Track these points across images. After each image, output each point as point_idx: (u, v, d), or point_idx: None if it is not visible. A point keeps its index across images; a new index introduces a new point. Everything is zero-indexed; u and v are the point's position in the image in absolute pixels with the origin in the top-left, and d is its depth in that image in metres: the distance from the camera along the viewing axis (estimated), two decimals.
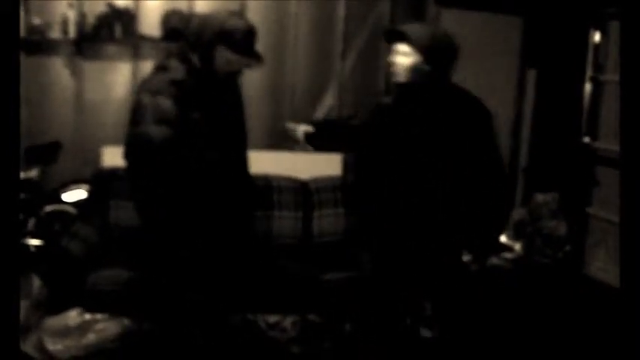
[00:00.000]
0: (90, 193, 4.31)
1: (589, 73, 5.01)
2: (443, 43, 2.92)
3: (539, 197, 4.95)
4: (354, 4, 5.34)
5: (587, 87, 5.02)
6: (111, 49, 5.07)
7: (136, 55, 5.08)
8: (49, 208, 4.57)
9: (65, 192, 4.62)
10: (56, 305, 3.48)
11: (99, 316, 3.49)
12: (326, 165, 4.64)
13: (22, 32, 4.81)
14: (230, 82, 3.12)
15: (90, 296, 3.53)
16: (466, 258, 3.03)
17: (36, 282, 3.63)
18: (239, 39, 2.89)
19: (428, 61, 2.87)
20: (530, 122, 5.57)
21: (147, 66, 4.96)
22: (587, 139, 5.02)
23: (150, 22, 5.06)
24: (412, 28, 2.92)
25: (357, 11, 5.37)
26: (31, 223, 4.51)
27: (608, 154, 4.79)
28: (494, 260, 4.68)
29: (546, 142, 5.37)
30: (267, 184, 4.23)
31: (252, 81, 4.75)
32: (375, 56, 5.43)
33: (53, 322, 3.45)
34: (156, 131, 2.82)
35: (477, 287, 3.32)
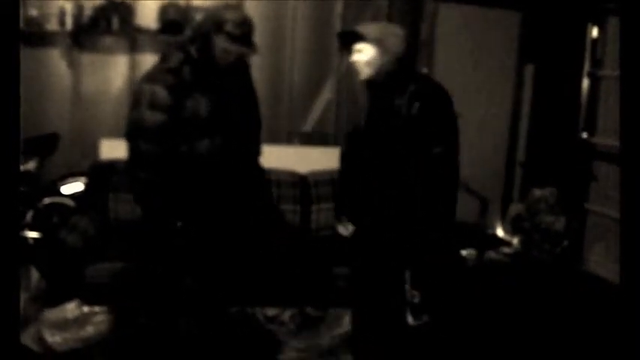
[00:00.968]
0: (88, 185, 4.30)
1: (587, 68, 5.02)
2: (393, 34, 3.05)
3: (537, 192, 4.96)
4: (351, 0, 5.34)
5: (585, 82, 5.02)
6: (108, 41, 5.06)
7: (133, 48, 5.07)
8: (47, 200, 4.56)
9: (63, 184, 4.61)
10: (54, 298, 3.48)
11: (97, 308, 3.49)
12: (324, 159, 4.64)
13: (20, 24, 4.79)
14: (237, 74, 3.15)
15: (88, 289, 3.52)
16: (465, 252, 3.08)
17: (34, 274, 3.63)
18: (235, 29, 2.95)
19: (383, 53, 3.00)
20: (527, 117, 5.58)
21: (144, 58, 4.96)
22: (584, 135, 5.03)
23: (147, 15, 5.06)
24: (363, 27, 3.07)
25: (354, 7, 5.37)
26: (29, 215, 4.50)
27: (605, 149, 4.80)
28: (491, 255, 4.70)
29: (544, 137, 5.38)
30: (266, 178, 4.22)
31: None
32: None
33: (51, 314, 3.44)
34: (150, 117, 2.92)
35: (473, 281, 3.33)
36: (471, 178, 4.86)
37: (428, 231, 3.03)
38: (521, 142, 5.63)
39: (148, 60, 4.99)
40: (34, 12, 4.87)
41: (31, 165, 4.64)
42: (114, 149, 4.53)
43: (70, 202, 4.53)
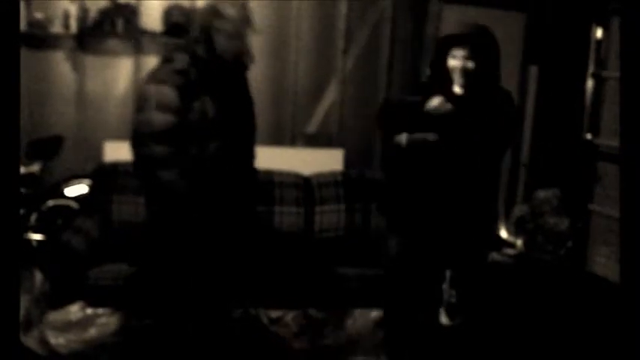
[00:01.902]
0: (92, 187, 4.31)
1: (591, 69, 5.00)
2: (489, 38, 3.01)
3: (541, 193, 4.95)
4: (355, 1, 5.33)
5: (589, 83, 5.01)
6: (112, 43, 5.07)
7: (137, 50, 5.08)
8: (51, 202, 4.57)
9: (67, 187, 4.61)
10: (58, 300, 3.49)
11: (100, 310, 3.49)
12: (328, 160, 4.64)
13: (24, 27, 4.81)
14: (238, 76, 3.18)
15: (92, 291, 3.53)
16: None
17: (38, 276, 3.63)
18: (231, 25, 2.99)
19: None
20: (531, 118, 5.56)
21: (149, 61, 4.96)
22: (588, 136, 5.01)
23: (152, 17, 5.06)
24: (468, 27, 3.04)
25: (358, 8, 5.36)
26: (33, 217, 4.51)
27: (609, 150, 4.79)
28: (495, 256, 4.69)
29: (548, 138, 5.36)
30: (269, 180, 4.23)
31: (255, 77, 4.74)
32: (377, 53, 5.43)
33: (55, 316, 3.45)
34: (158, 118, 2.92)
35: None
36: None
37: (480, 231, 3.09)
38: (525, 143, 5.61)
39: (153, 62, 4.96)
40: (38, 14, 4.87)
41: (35, 167, 4.65)
42: (118, 151, 4.54)
43: (74, 205, 4.54)
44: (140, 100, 3.01)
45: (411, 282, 3.20)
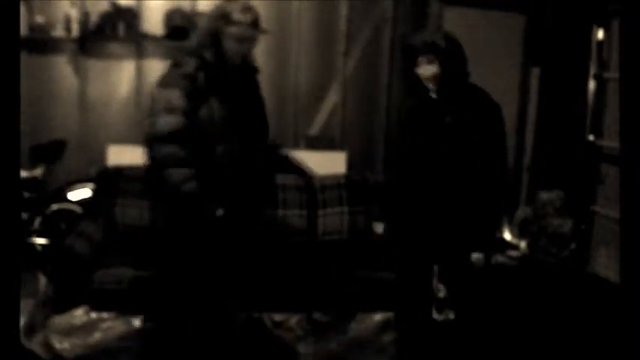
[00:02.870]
0: (95, 191, 4.31)
1: (593, 70, 5.00)
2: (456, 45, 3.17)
3: (544, 195, 4.95)
4: (356, 2, 5.34)
5: (591, 84, 5.01)
6: (114, 47, 5.08)
7: (139, 54, 5.09)
8: (54, 206, 4.58)
9: (71, 191, 4.62)
10: (62, 304, 3.48)
11: (105, 314, 3.49)
12: (330, 163, 4.64)
13: (26, 31, 4.82)
14: (248, 79, 3.23)
15: (96, 295, 3.52)
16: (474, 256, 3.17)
17: (42, 281, 3.63)
18: (240, 28, 3.02)
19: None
20: (534, 120, 5.56)
21: (150, 64, 4.98)
22: (591, 137, 5.01)
23: (153, 21, 5.07)
24: (432, 36, 3.21)
25: (359, 10, 5.37)
26: (37, 221, 4.52)
27: (612, 152, 4.79)
28: (499, 258, 4.69)
29: (550, 140, 5.37)
30: (272, 183, 4.21)
31: None
32: (378, 54, 5.43)
33: (59, 320, 3.44)
34: (167, 121, 2.97)
35: (480, 284, 3.36)
36: None
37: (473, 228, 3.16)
38: (528, 146, 5.61)
39: (154, 66, 5.02)
40: (40, 19, 4.88)
41: (38, 171, 4.67)
42: (121, 155, 4.55)
43: (78, 209, 4.55)
44: (151, 104, 3.08)
45: (410, 280, 3.25)
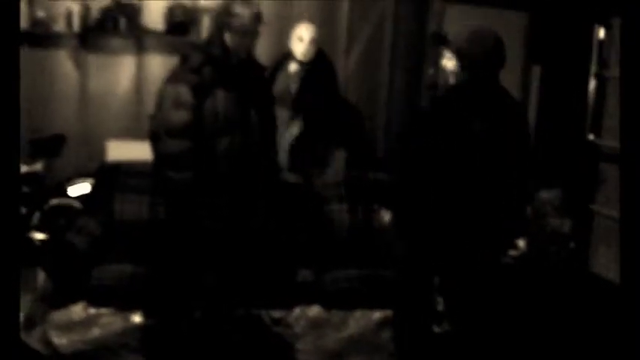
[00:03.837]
0: (94, 186, 4.31)
1: (593, 69, 4.99)
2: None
3: (544, 194, 4.94)
4: (357, 0, 5.33)
5: (592, 83, 5.00)
6: (115, 42, 5.08)
7: (140, 49, 5.09)
8: (53, 201, 4.58)
9: (70, 186, 4.62)
10: (61, 299, 3.48)
11: (103, 310, 3.49)
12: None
13: (27, 25, 4.81)
14: (254, 73, 3.27)
15: (95, 290, 3.52)
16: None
17: (41, 276, 3.63)
18: (241, 23, 3.06)
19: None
20: (534, 118, 5.56)
21: (151, 59, 4.99)
22: (591, 136, 5.01)
23: (154, 16, 5.07)
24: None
25: (360, 7, 5.37)
26: (36, 216, 4.52)
27: (612, 151, 4.78)
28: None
29: (550, 138, 5.36)
30: (279, 180, 4.21)
31: None
32: (379, 51, 5.43)
33: (58, 316, 3.44)
34: (175, 115, 3.03)
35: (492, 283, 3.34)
36: None
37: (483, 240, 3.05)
38: None
39: (155, 61, 5.02)
40: (41, 13, 4.88)
41: (37, 166, 4.66)
42: (121, 150, 4.55)
43: (77, 204, 4.54)
44: (158, 100, 3.13)
45: (415, 285, 3.22)
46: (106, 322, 3.48)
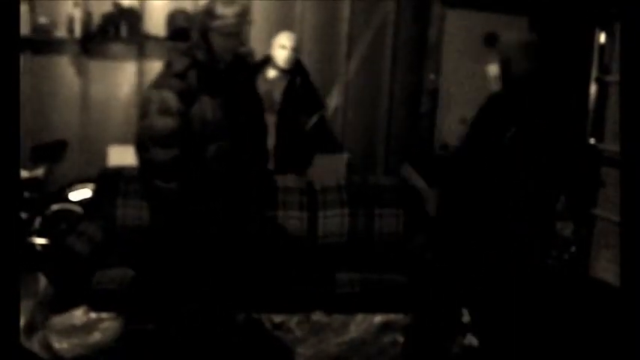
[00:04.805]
0: (95, 192, 4.32)
1: (594, 73, 5.00)
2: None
3: None
4: (358, 4, 5.34)
5: (593, 88, 5.00)
6: (116, 48, 5.10)
7: (141, 55, 5.11)
8: (55, 206, 4.59)
9: (71, 191, 4.63)
10: (62, 304, 3.48)
11: (104, 315, 3.49)
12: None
13: (28, 31, 4.83)
14: (242, 76, 3.20)
15: (95, 295, 3.52)
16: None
17: (42, 281, 3.63)
18: (225, 24, 2.96)
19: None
20: None
21: (152, 65, 4.99)
22: (592, 140, 5.00)
23: (155, 22, 5.09)
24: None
25: (361, 12, 5.38)
26: (37, 221, 4.53)
27: (613, 155, 4.78)
28: None
29: (551, 142, 5.35)
30: (272, 184, 4.21)
31: None
32: (380, 57, 5.43)
33: (59, 320, 3.45)
34: (160, 122, 2.92)
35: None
36: None
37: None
38: None
39: (156, 67, 4.99)
40: (43, 19, 4.90)
41: (39, 172, 4.67)
42: (122, 156, 4.56)
43: (78, 209, 4.55)
44: (143, 106, 3.02)
45: (440, 295, 3.22)
46: (107, 326, 3.48)
